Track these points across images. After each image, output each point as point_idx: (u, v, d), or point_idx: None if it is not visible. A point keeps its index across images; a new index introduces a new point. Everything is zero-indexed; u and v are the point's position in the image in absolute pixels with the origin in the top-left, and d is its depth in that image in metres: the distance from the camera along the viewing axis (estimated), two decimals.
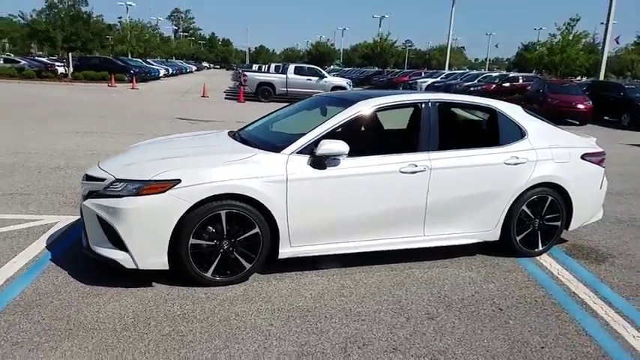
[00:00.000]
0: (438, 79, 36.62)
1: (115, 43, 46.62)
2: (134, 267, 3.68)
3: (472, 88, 28.44)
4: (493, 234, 4.71)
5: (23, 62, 33.15)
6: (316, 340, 3.21)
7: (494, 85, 29.13)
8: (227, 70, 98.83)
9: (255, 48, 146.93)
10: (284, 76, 25.29)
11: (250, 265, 3.95)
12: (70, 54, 32.80)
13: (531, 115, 5.12)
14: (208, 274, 3.85)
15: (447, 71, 43.70)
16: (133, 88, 27.75)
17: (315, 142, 4.02)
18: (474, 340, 3.31)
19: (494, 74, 36.30)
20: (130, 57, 45.05)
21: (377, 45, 57.70)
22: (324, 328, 3.36)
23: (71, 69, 31.80)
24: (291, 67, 26.13)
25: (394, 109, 4.61)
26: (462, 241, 4.61)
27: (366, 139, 5.12)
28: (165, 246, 3.67)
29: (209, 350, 3.04)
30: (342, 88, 25.91)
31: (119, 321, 3.31)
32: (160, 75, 41.01)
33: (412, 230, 4.42)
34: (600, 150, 5.19)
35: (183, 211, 3.64)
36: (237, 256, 3.90)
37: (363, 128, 5.10)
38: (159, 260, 3.70)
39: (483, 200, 4.57)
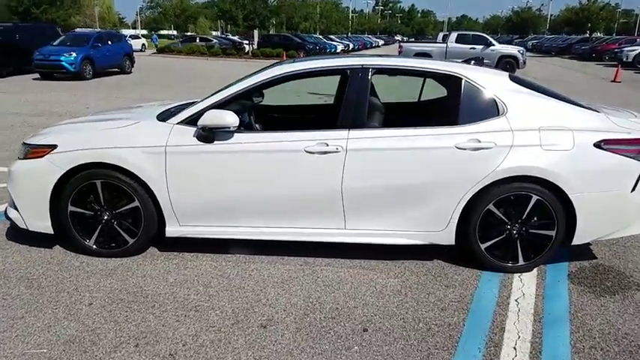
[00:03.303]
0: None
1: (300, 20, 49.25)
2: (25, 227, 3.84)
3: None
4: (443, 236, 3.68)
5: (214, 41, 37.36)
6: (112, 327, 2.93)
7: None
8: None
9: (457, 18, 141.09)
10: (443, 45, 23.67)
11: (133, 240, 3.79)
12: (255, 32, 35.70)
13: (526, 85, 3.81)
14: (90, 244, 3.83)
15: None
16: None
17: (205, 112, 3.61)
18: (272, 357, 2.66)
19: None
20: (315, 34, 47.18)
21: (584, 9, 49.95)
22: (132, 318, 3.04)
23: (255, 46, 34.64)
24: (453, 35, 24.28)
25: (312, 76, 3.85)
26: (396, 241, 3.71)
27: (273, 112, 4.48)
28: (46, 211, 3.74)
29: (23, 314, 3.01)
30: (512, 57, 23.23)
31: None
32: (338, 50, 42.08)
33: (329, 221, 3.71)
34: (636, 136, 3.62)
35: (57, 177, 3.65)
36: (119, 229, 3.78)
37: (250, 103, 4.46)
38: (43, 224, 3.79)
39: (424, 193, 3.59)
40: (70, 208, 3.74)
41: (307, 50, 33.39)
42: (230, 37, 45.63)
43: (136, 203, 3.69)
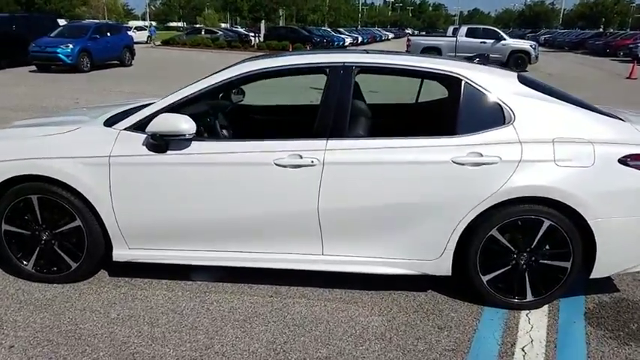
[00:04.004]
0: None
1: (308, 12, 48.46)
2: None
3: None
4: (438, 265, 3.12)
5: (220, 33, 36.65)
6: None
7: None
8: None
9: (469, 11, 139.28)
10: (453, 39, 22.89)
11: (76, 265, 3.26)
12: (262, 24, 35.04)
13: (538, 88, 3.23)
14: (29, 267, 3.31)
15: None
16: None
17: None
18: None
19: None
20: (323, 27, 46.39)
21: (598, 3, 48.66)
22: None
23: (262, 38, 33.98)
24: (463, 28, 23.48)
25: (283, 75, 3.30)
26: (382, 270, 3.14)
27: (240, 117, 3.92)
28: None
29: None
30: (524, 52, 22.46)
31: None
32: (346, 43, 41.27)
33: (304, 247, 3.16)
34: None
35: None
36: (60, 251, 3.26)
37: (227, 103, 3.92)
38: None
39: (415, 215, 3.03)
40: (4, 226, 3.23)
41: (314, 43, 32.71)
42: (236, 29, 44.99)
43: (78, 222, 3.16)
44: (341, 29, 47.58)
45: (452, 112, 3.12)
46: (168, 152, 3.03)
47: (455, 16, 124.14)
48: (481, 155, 2.95)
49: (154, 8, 73.45)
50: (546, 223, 3.00)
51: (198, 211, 3.10)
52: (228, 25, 55.80)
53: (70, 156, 3.07)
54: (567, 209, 2.95)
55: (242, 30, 41.43)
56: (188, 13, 38.95)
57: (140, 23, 53.21)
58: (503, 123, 3.02)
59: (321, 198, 3.01)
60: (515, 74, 3.32)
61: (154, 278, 3.37)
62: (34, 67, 17.07)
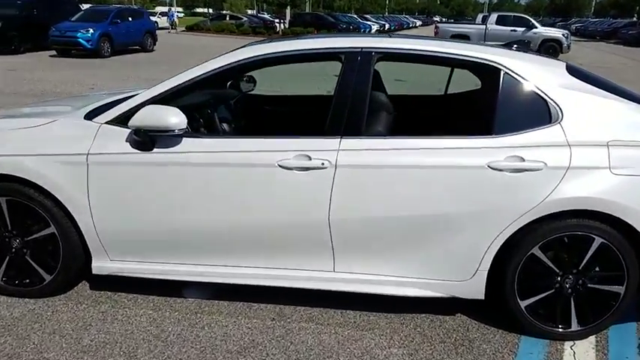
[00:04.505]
0: None
1: None
2: None
3: None
4: (470, 288, 2.67)
5: (244, 19, 36.30)
6: None
7: None
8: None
9: None
10: (482, 26, 22.03)
11: (51, 277, 2.89)
12: (288, 10, 34.49)
13: (590, 81, 2.73)
14: None
15: None
16: None
17: None
18: None
19: None
20: (350, 13, 45.57)
21: None
22: None
23: (287, 25, 33.48)
24: (493, 16, 22.60)
25: (290, 62, 2.85)
26: (403, 291, 2.72)
27: (246, 109, 3.50)
28: None
29: None
30: (556, 41, 21.50)
31: None
32: (373, 30, 40.43)
33: (312, 262, 2.74)
34: None
35: None
36: (32, 261, 2.90)
37: (231, 96, 3.51)
38: None
39: (443, 229, 2.59)
40: None
41: (340, 29, 32.13)
42: (262, 15, 44.49)
43: (52, 229, 2.79)
44: (367, 16, 46.70)
45: (488, 108, 2.65)
46: (155, 150, 2.64)
47: (484, 3, 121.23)
48: (522, 160, 2.48)
49: None
50: (597, 241, 2.53)
51: (189, 219, 2.70)
52: (254, 12, 55.38)
53: (43, 153, 2.69)
54: (623, 226, 2.48)
55: (267, 16, 40.96)
56: None
57: (165, 9, 53.11)
58: (549, 122, 2.54)
59: (332, 206, 2.59)
60: (564, 64, 2.83)
61: (141, 293, 2.99)
62: (54, 52, 16.95)
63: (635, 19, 46.10)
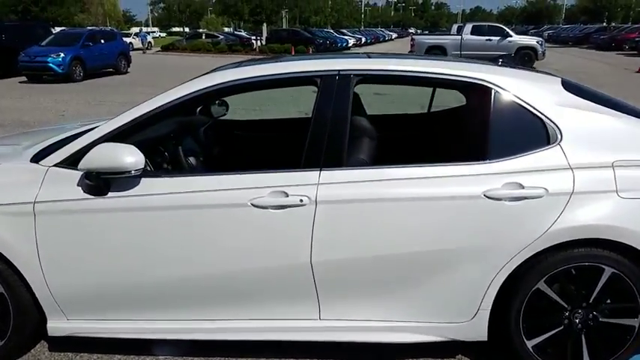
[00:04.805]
0: None
1: (310, 14, 47.65)
2: None
3: None
4: (471, 329, 2.41)
5: (220, 37, 36.04)
6: None
7: None
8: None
9: (471, 9, 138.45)
10: (458, 37, 22.13)
11: (2, 342, 2.54)
12: (264, 27, 34.34)
13: (588, 97, 2.52)
14: None
15: None
16: None
17: None
18: None
19: None
20: (326, 28, 45.67)
21: None
22: None
23: (264, 41, 33.33)
24: (468, 26, 22.77)
25: (260, 88, 2.59)
26: (396, 338, 2.44)
27: (212, 138, 3.25)
28: None
29: None
30: (531, 49, 21.69)
31: None
32: (349, 45, 40.49)
33: (295, 311, 2.45)
34: None
35: None
36: None
37: (200, 124, 3.26)
38: None
39: (438, 266, 2.33)
40: None
41: (317, 44, 32.06)
42: (239, 33, 44.32)
43: (0, 289, 2.47)
44: (344, 30, 46.85)
45: (480, 131, 2.43)
46: (110, 194, 2.34)
47: (457, 14, 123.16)
48: (522, 187, 2.25)
49: (156, 14, 73.06)
50: (608, 272, 2.30)
51: (153, 270, 2.40)
52: (231, 29, 55.25)
53: None
54: (635, 254, 2.26)
55: (243, 34, 40.82)
56: (189, 17, 38.12)
57: (143, 29, 52.73)
58: (548, 143, 2.32)
59: (314, 247, 2.32)
60: (559, 79, 2.61)
61: (105, 353, 2.66)
62: (25, 78, 16.47)
63: (605, 24, 47.07)
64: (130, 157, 2.23)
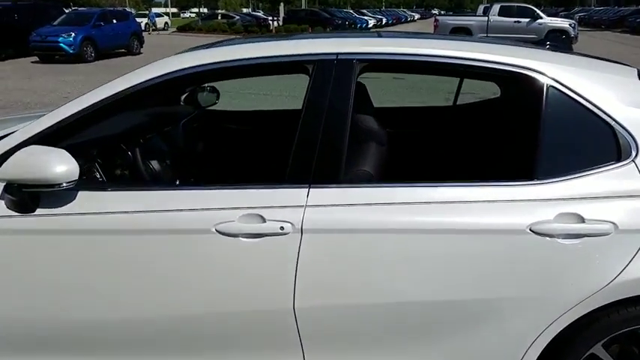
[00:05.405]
0: None
1: None
2: None
3: None
4: None
5: (237, 18, 35.48)
6: None
7: None
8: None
9: None
10: (484, 18, 21.11)
11: None
12: (281, 7, 33.57)
13: None
14: None
15: None
16: None
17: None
18: None
19: None
20: (346, 8, 44.61)
21: None
22: None
23: (280, 22, 32.60)
24: (496, 7, 21.63)
25: (237, 76, 2.01)
26: None
27: (187, 141, 2.66)
28: None
29: None
30: (563, 32, 20.58)
31: None
32: (370, 25, 39.48)
33: None
34: None
35: None
36: None
37: (181, 116, 2.69)
38: None
39: (463, 320, 1.76)
40: None
41: (335, 25, 31.26)
42: (256, 13, 43.54)
43: None
44: (364, 10, 45.73)
45: (525, 138, 1.81)
46: (38, 212, 1.80)
47: None
48: (582, 220, 1.65)
49: None
50: None
51: (91, 308, 1.86)
52: (250, 10, 54.46)
53: None
54: None
55: (261, 14, 40.06)
56: None
57: (160, 10, 52.22)
58: (618, 159, 1.70)
59: (298, 289, 1.76)
60: (634, 70, 1.97)
61: None
62: (37, 58, 16.13)
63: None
64: (61, 165, 1.68)
